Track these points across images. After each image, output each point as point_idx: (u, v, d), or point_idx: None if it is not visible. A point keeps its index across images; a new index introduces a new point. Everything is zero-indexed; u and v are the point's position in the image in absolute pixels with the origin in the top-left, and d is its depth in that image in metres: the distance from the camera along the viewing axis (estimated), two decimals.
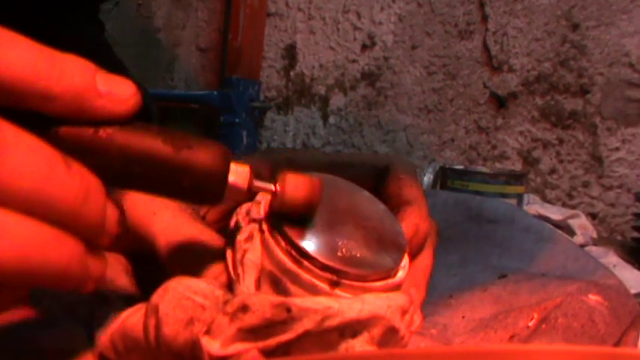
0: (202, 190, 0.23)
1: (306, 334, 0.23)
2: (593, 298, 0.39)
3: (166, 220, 0.31)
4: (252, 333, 0.23)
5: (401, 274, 0.27)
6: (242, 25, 1.31)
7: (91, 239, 0.22)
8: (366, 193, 0.30)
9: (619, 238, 1.02)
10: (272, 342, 0.23)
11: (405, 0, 1.19)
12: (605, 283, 0.42)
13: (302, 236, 0.25)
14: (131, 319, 0.24)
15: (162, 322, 0.23)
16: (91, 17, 0.59)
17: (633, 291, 0.51)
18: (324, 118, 1.28)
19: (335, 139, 1.27)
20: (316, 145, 1.29)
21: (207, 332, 0.23)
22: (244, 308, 0.23)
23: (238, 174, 0.24)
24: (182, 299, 0.24)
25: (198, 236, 0.30)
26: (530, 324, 0.37)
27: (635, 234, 0.87)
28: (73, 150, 0.21)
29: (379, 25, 1.22)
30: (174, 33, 1.44)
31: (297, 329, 0.23)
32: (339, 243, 0.26)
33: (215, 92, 1.30)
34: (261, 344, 0.23)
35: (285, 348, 0.23)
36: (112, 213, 0.22)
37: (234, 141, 1.26)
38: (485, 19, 1.13)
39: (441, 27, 1.16)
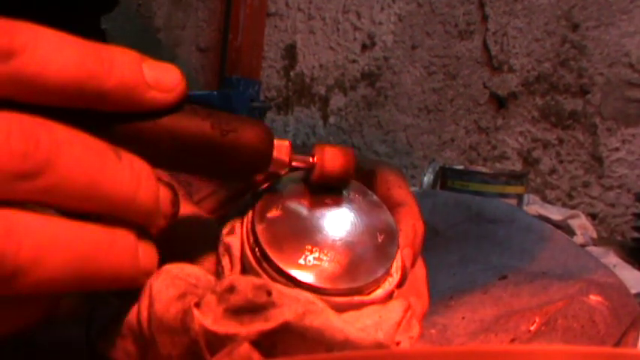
0: (249, 168, 0.25)
1: (288, 328, 0.23)
2: (594, 298, 0.39)
3: None
4: (237, 315, 0.23)
5: (380, 292, 0.26)
6: (242, 25, 1.31)
7: (148, 223, 0.22)
8: (373, 197, 0.29)
9: (619, 238, 1.02)
10: (255, 328, 0.23)
11: (405, 0, 1.19)
12: (605, 282, 0.42)
13: (271, 237, 0.25)
14: (126, 308, 0.24)
15: (154, 300, 0.23)
16: (92, 24, 0.59)
17: (633, 291, 0.51)
18: (324, 118, 1.28)
19: (335, 139, 1.27)
20: None
21: (198, 307, 0.23)
22: (231, 289, 0.23)
23: (280, 149, 0.25)
24: (175, 279, 0.24)
25: (193, 221, 0.30)
26: (532, 328, 0.37)
27: (635, 234, 0.87)
28: (123, 140, 0.22)
29: (379, 25, 1.22)
30: (174, 33, 1.44)
31: (278, 318, 0.22)
32: (308, 249, 0.25)
33: (215, 92, 1.30)
34: (244, 331, 0.22)
35: (271, 341, 0.23)
36: (164, 194, 0.23)
37: None
38: (485, 19, 1.13)
39: (441, 27, 1.16)
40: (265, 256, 0.25)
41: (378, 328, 0.25)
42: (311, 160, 0.26)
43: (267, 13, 1.34)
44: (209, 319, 0.22)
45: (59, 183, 0.19)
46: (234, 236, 0.26)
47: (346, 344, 0.23)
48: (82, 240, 0.20)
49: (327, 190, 0.28)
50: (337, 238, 0.26)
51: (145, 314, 0.23)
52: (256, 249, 0.25)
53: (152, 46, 1.45)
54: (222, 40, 1.37)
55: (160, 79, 0.22)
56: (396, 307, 0.26)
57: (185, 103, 0.23)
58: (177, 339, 0.23)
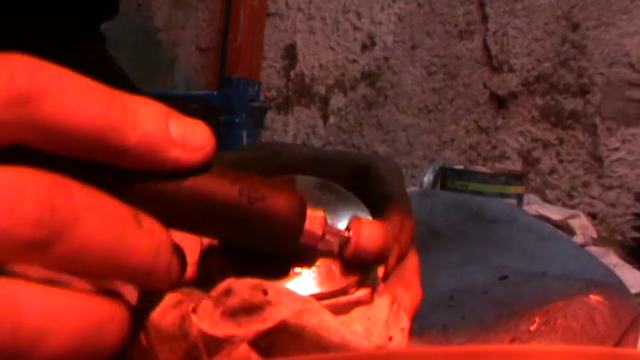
0: (277, 240, 0.23)
1: (285, 326, 0.23)
2: (594, 298, 0.39)
3: None
4: (234, 316, 0.23)
5: (362, 291, 0.26)
6: (242, 25, 1.31)
7: (154, 288, 0.21)
8: (348, 197, 0.29)
9: (619, 238, 1.02)
10: (253, 329, 0.22)
11: (405, 0, 1.19)
12: (605, 282, 0.42)
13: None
14: None
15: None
16: (92, 30, 0.59)
17: (633, 291, 0.51)
18: (324, 118, 1.28)
19: (335, 139, 1.27)
20: (316, 145, 1.29)
21: (194, 312, 0.23)
22: (227, 292, 0.23)
23: (313, 220, 0.23)
24: (171, 291, 0.24)
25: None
26: (532, 328, 0.37)
27: (635, 234, 0.87)
28: (141, 200, 0.20)
29: (379, 25, 1.22)
30: (174, 33, 1.44)
31: (275, 317, 0.22)
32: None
33: (215, 92, 1.30)
34: (242, 332, 0.22)
35: (269, 341, 0.23)
36: (175, 261, 0.21)
37: (234, 141, 1.26)
38: (485, 19, 1.13)
39: (441, 27, 1.16)
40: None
41: (369, 333, 0.25)
42: (346, 234, 0.25)
43: (267, 13, 1.34)
44: (206, 322, 0.22)
45: (74, 252, 0.18)
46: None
47: (342, 347, 0.23)
48: (84, 318, 0.19)
49: (356, 267, 0.26)
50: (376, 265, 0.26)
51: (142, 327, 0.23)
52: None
53: (152, 46, 1.45)
54: (222, 40, 1.37)
55: (187, 136, 0.20)
56: (381, 304, 0.26)
57: (213, 163, 0.21)
58: (175, 345, 0.23)
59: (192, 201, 0.21)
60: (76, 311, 0.19)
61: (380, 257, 0.25)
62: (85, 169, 0.19)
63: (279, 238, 0.23)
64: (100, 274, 0.19)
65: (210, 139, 0.21)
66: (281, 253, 0.25)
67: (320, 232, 0.24)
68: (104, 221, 0.18)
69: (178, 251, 0.22)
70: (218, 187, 0.21)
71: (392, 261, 0.29)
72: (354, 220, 0.25)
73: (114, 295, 0.20)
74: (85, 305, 0.19)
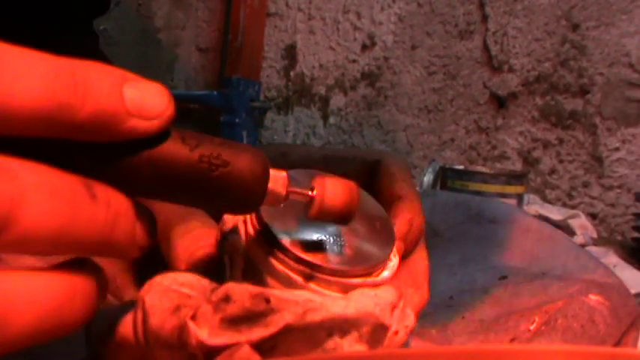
0: (241, 202, 0.22)
1: (289, 329, 0.23)
2: (593, 298, 0.39)
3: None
4: (235, 324, 0.23)
5: (386, 273, 0.27)
6: (242, 25, 1.31)
7: (120, 257, 0.21)
8: (360, 191, 0.30)
9: (619, 238, 1.02)
10: (255, 335, 0.23)
11: (405, 0, 1.19)
12: (605, 282, 0.42)
13: (280, 229, 0.25)
14: (122, 318, 0.24)
15: (148, 314, 0.23)
16: (87, 29, 0.59)
17: (633, 291, 0.51)
18: (324, 118, 1.28)
19: (335, 139, 1.27)
20: (316, 145, 1.29)
21: (194, 319, 0.23)
22: (227, 298, 0.23)
23: (276, 180, 0.23)
24: (168, 291, 0.24)
25: (193, 216, 0.30)
26: (532, 327, 0.37)
27: (635, 234, 0.87)
28: (99, 171, 0.20)
29: (379, 25, 1.22)
30: (174, 33, 1.44)
31: (278, 322, 0.23)
32: (318, 237, 0.26)
33: (215, 92, 1.30)
34: (244, 338, 0.22)
35: (271, 343, 0.23)
36: (142, 225, 0.21)
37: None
38: (485, 19, 1.13)
39: (441, 27, 1.16)
40: (282, 248, 0.25)
41: (377, 305, 0.25)
42: (309, 193, 0.24)
43: (267, 13, 1.34)
44: (205, 331, 0.22)
45: (23, 237, 0.17)
46: (237, 234, 0.26)
47: (345, 323, 0.24)
48: (43, 301, 0.18)
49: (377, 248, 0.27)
50: (343, 226, 0.26)
51: (140, 328, 0.23)
52: (268, 243, 0.25)
53: (152, 46, 1.45)
54: (222, 40, 1.37)
55: (143, 104, 0.20)
56: (388, 290, 0.27)
57: (172, 129, 0.21)
58: (175, 353, 0.23)
59: (152, 170, 0.21)
60: (33, 295, 0.18)
61: (345, 217, 0.24)
62: (35, 145, 0.19)
63: (241, 201, 0.22)
64: (54, 252, 0.19)
65: (168, 104, 0.20)
66: (244, 214, 0.25)
67: (284, 193, 0.23)
68: (53, 200, 0.18)
69: (147, 215, 0.21)
70: (177, 154, 0.21)
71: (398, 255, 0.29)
72: (318, 177, 0.25)
73: (77, 266, 0.20)
74: (42, 287, 0.18)
